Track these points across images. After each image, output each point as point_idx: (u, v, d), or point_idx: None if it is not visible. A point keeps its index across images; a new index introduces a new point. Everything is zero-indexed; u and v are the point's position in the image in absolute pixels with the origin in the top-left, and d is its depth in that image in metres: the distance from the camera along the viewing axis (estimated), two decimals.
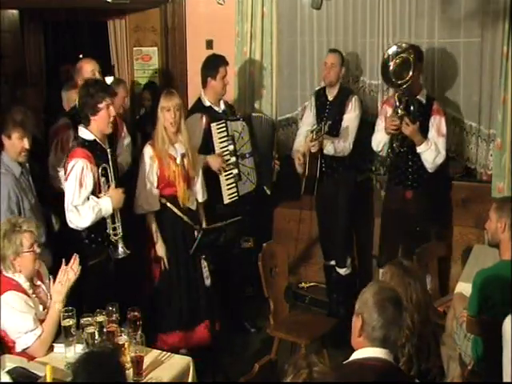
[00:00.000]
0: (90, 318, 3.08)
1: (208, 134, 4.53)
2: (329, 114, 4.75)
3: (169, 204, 4.08)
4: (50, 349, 3.08)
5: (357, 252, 5.22)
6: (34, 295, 3.14)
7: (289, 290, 4.37)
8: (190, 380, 3.09)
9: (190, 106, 5.15)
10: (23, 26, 6.93)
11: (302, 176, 4.78)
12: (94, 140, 3.67)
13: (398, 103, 4.31)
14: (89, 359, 2.10)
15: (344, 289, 4.86)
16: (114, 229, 3.70)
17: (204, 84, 4.64)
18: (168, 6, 5.61)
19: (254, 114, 4.91)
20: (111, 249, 3.72)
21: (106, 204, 3.61)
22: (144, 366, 2.94)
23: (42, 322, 3.08)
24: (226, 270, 4.77)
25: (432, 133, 4.38)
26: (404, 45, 4.30)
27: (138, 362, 2.90)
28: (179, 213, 4.11)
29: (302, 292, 5.30)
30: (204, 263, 4.17)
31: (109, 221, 3.68)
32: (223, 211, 4.52)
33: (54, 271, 3.24)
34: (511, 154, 4.59)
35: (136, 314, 3.12)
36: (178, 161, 4.08)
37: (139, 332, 3.07)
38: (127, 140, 4.50)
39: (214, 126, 4.51)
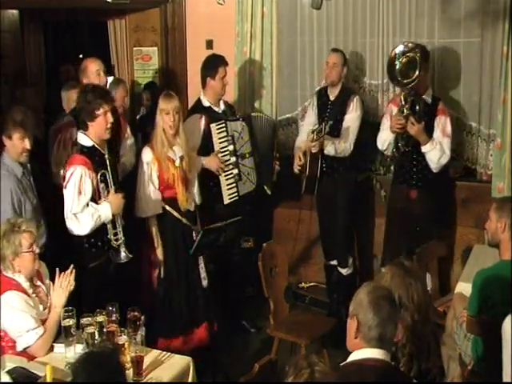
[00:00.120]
0: (90, 318, 3.08)
1: (208, 134, 4.53)
2: (330, 113, 4.75)
3: (167, 207, 4.08)
4: (50, 349, 3.08)
5: (357, 252, 5.22)
6: (34, 295, 3.14)
7: (289, 290, 4.37)
8: (190, 380, 3.09)
9: (189, 106, 5.16)
10: (23, 26, 6.94)
11: (302, 173, 4.76)
12: (93, 146, 3.66)
13: (403, 102, 4.31)
14: (89, 359, 2.10)
15: (345, 289, 4.86)
16: (115, 234, 3.70)
17: (203, 84, 4.64)
18: (168, 5, 5.61)
19: (253, 114, 4.90)
20: (113, 253, 3.71)
21: (106, 210, 3.60)
22: (144, 366, 2.94)
23: (42, 321, 3.08)
24: (226, 270, 4.77)
25: (437, 133, 4.38)
26: (410, 44, 4.30)
27: (138, 362, 2.90)
28: (178, 215, 4.11)
29: (301, 292, 5.30)
30: (201, 263, 4.18)
31: (109, 226, 3.67)
32: (223, 211, 4.52)
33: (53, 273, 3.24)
34: (511, 154, 4.59)
35: (136, 314, 3.12)
36: (177, 163, 4.08)
37: (139, 332, 3.07)
38: (131, 140, 4.51)
39: (213, 126, 4.51)
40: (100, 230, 3.66)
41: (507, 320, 2.71)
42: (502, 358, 2.73)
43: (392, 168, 5.08)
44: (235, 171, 4.62)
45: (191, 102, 5.16)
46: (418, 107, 4.36)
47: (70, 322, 3.04)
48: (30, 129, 3.82)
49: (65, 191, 3.58)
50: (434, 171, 4.42)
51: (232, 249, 4.76)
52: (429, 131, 4.36)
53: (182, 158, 4.10)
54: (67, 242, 3.71)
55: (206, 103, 4.62)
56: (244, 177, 4.67)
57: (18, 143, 3.75)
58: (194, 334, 4.17)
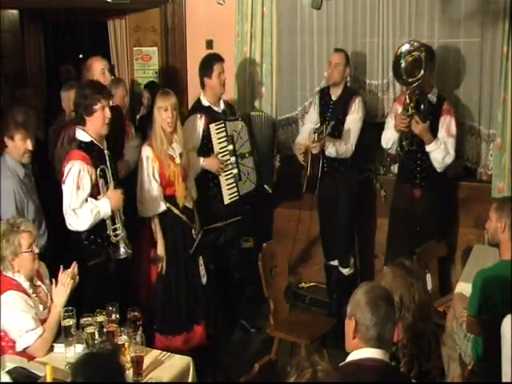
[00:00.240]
0: (89, 318, 3.08)
1: (207, 134, 4.53)
2: (332, 113, 4.74)
3: (168, 204, 4.08)
4: (50, 349, 3.08)
5: (358, 252, 5.22)
6: (34, 295, 3.14)
7: (289, 290, 4.37)
8: (190, 380, 3.09)
9: (189, 106, 5.16)
10: (23, 26, 6.94)
11: (303, 171, 4.76)
12: (91, 141, 3.66)
13: (408, 101, 4.31)
14: (88, 360, 2.10)
15: (345, 289, 4.85)
16: (115, 230, 3.69)
17: (202, 85, 4.64)
18: (168, 5, 5.61)
19: (252, 113, 4.89)
20: (112, 249, 3.71)
21: (105, 206, 3.60)
22: (144, 366, 2.94)
23: (42, 321, 3.08)
24: (226, 270, 4.77)
25: (442, 133, 4.38)
26: (416, 43, 4.29)
27: (138, 362, 2.90)
28: (178, 213, 4.11)
29: (301, 292, 5.30)
30: (200, 261, 4.18)
31: (108, 222, 3.67)
32: (223, 211, 4.53)
33: (53, 273, 3.24)
34: (511, 154, 4.59)
35: (136, 314, 3.12)
36: (178, 161, 4.08)
37: (139, 332, 3.07)
38: (135, 141, 4.51)
39: (212, 126, 4.51)
40: (99, 227, 3.66)
41: (507, 320, 2.71)
42: (501, 358, 2.73)
43: (392, 168, 5.09)
44: (235, 171, 4.62)
45: (191, 102, 5.16)
46: (422, 106, 4.37)
47: (70, 321, 3.04)
48: (32, 129, 3.82)
49: (63, 186, 3.58)
50: (438, 171, 4.43)
51: (232, 249, 4.76)
52: (433, 131, 4.36)
53: (181, 155, 4.11)
54: (67, 241, 3.71)
55: (205, 103, 4.62)
56: (244, 176, 4.68)
57: (20, 144, 3.75)
58: (193, 333, 4.18)
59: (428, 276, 4.13)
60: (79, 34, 7.91)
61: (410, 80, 4.25)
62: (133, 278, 4.11)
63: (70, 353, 3.00)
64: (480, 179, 4.88)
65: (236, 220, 4.17)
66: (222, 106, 4.67)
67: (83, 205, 3.57)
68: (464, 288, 3.59)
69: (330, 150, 4.62)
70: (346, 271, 4.91)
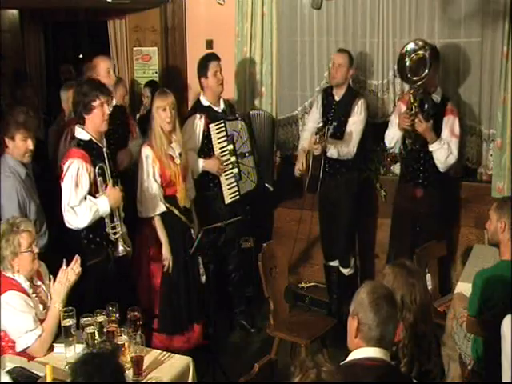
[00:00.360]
0: (89, 318, 3.07)
1: (207, 134, 4.53)
2: (334, 114, 4.73)
3: (167, 205, 4.08)
4: (50, 349, 3.08)
5: (359, 252, 5.21)
6: (34, 295, 3.14)
7: (289, 290, 4.37)
8: (190, 380, 3.08)
9: (189, 106, 5.16)
10: (23, 26, 6.94)
11: (306, 174, 4.76)
12: (90, 139, 3.66)
13: (412, 100, 4.32)
14: (88, 360, 2.10)
15: (345, 289, 4.86)
16: (114, 227, 3.69)
17: (201, 86, 4.65)
18: (168, 6, 5.61)
19: (252, 112, 4.89)
20: (111, 248, 3.71)
21: (104, 204, 3.60)
22: (144, 366, 2.94)
23: (42, 322, 3.08)
24: (225, 270, 4.78)
25: (445, 133, 4.38)
26: (421, 42, 4.29)
27: (137, 362, 2.90)
28: (178, 213, 4.11)
29: (302, 292, 5.29)
30: (199, 260, 4.19)
31: (107, 220, 3.67)
32: (223, 211, 4.53)
33: (53, 272, 3.23)
34: (511, 154, 4.59)
35: (136, 313, 3.12)
36: (177, 161, 4.08)
37: (139, 332, 3.07)
38: (138, 141, 4.51)
39: (212, 126, 4.51)
40: (98, 226, 3.65)
41: (507, 320, 2.71)
42: (501, 358, 2.73)
43: (392, 168, 5.10)
44: (235, 170, 4.62)
45: (191, 102, 5.16)
46: (426, 106, 4.37)
47: (70, 321, 3.04)
48: (33, 129, 3.82)
49: (62, 184, 3.57)
50: (441, 171, 4.43)
51: (232, 249, 4.76)
52: (437, 131, 4.37)
53: (180, 155, 4.11)
54: (66, 242, 3.71)
55: (205, 103, 4.62)
56: (244, 176, 4.68)
57: (21, 144, 3.75)
58: (191, 333, 4.19)
59: (428, 276, 4.13)
60: (79, 34, 7.91)
61: (414, 79, 4.25)
62: (132, 278, 4.10)
63: (70, 353, 2.99)
64: (480, 179, 4.89)
65: (236, 220, 4.17)
66: (222, 105, 4.67)
67: (82, 203, 3.56)
68: (464, 288, 3.60)
69: (332, 152, 4.62)
70: (346, 271, 4.90)
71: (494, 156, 4.70)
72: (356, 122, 4.67)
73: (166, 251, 4.07)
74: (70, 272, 3.12)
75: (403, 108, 4.44)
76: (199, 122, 4.54)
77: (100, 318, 3.09)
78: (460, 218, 4.91)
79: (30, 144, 3.76)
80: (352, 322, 2.25)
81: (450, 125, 4.41)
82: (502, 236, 3.27)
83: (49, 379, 2.72)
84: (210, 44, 5.48)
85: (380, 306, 2.20)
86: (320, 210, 4.97)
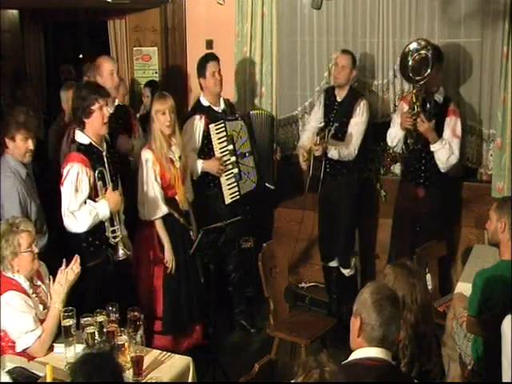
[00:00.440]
0: (89, 318, 3.07)
1: (207, 134, 4.53)
2: (336, 115, 4.72)
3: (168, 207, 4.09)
4: (50, 349, 3.08)
5: (359, 252, 5.21)
6: (34, 295, 3.14)
7: (289, 290, 4.37)
8: (190, 380, 3.08)
9: (190, 106, 5.16)
10: (23, 26, 6.94)
11: (305, 173, 4.76)
12: (90, 143, 3.65)
13: (414, 100, 4.32)
14: (87, 361, 2.10)
15: (345, 289, 4.86)
16: (114, 231, 3.68)
17: (200, 87, 4.65)
18: (168, 6, 5.61)
19: (252, 112, 4.87)
20: (111, 251, 3.71)
21: (103, 208, 3.59)
22: (144, 366, 2.94)
23: (42, 322, 3.08)
24: (225, 270, 4.78)
25: (447, 133, 4.39)
26: (423, 42, 4.29)
27: (137, 362, 2.90)
28: (178, 215, 4.11)
29: (302, 292, 5.29)
30: (198, 261, 4.20)
31: (107, 224, 3.66)
32: (223, 211, 4.53)
33: (53, 272, 3.23)
34: (511, 154, 4.59)
35: (136, 313, 3.11)
36: (177, 164, 4.08)
37: (139, 332, 3.07)
38: (142, 141, 4.51)
39: (212, 127, 4.51)
40: (98, 229, 3.65)
41: (507, 320, 2.71)
42: (501, 358, 2.73)
43: (392, 168, 5.10)
44: (235, 170, 4.63)
45: (191, 102, 5.16)
46: (428, 105, 4.37)
47: (70, 321, 3.04)
48: (33, 129, 3.82)
49: (62, 189, 3.57)
50: (442, 171, 4.44)
51: (232, 249, 4.76)
52: (439, 131, 4.37)
53: (180, 158, 4.11)
54: (66, 243, 3.71)
55: (205, 103, 4.62)
56: (244, 176, 4.68)
57: (22, 144, 3.75)
58: (191, 333, 4.19)
59: (428, 276, 4.14)
60: (79, 34, 7.91)
61: (416, 78, 4.26)
62: (132, 279, 4.10)
63: (70, 353, 2.99)
64: (480, 179, 4.89)
65: (236, 220, 4.17)
66: (222, 105, 4.67)
67: (82, 207, 3.56)
68: (464, 288, 3.60)
69: (333, 153, 4.62)
70: (346, 272, 4.90)
71: (494, 156, 4.70)
72: (358, 124, 4.66)
73: (168, 253, 4.07)
74: (69, 272, 3.12)
75: (405, 107, 4.44)
76: (199, 123, 4.54)
77: (100, 318, 3.09)
78: (460, 218, 4.91)
79: (31, 144, 3.76)
80: (355, 322, 2.26)
81: (452, 125, 4.41)
82: (502, 236, 3.27)
83: (49, 379, 2.71)
84: (210, 44, 5.48)
85: (383, 307, 2.20)
86: (320, 211, 4.96)
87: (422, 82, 4.24)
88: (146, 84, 5.78)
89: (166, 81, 5.76)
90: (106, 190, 3.64)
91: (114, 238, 3.68)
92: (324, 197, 4.84)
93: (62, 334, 3.06)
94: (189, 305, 4.18)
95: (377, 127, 4.91)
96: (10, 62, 6.65)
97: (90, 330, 3.02)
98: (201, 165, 4.50)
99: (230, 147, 4.59)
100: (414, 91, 4.33)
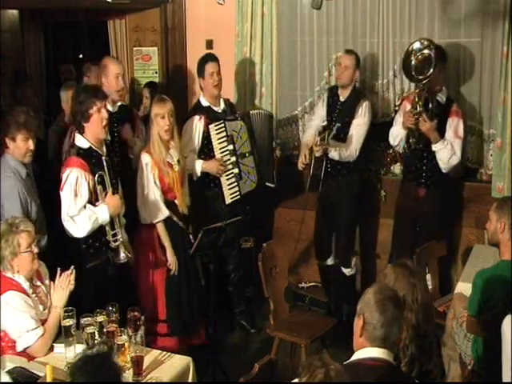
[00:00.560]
0: (89, 318, 3.08)
1: (207, 135, 4.53)
2: (338, 114, 4.72)
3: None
4: (50, 349, 3.08)
5: (360, 252, 5.20)
6: (33, 295, 3.14)
7: (289, 290, 4.37)
8: (190, 380, 3.09)
9: (189, 106, 5.16)
10: (23, 26, 6.94)
11: (306, 171, 4.76)
12: (90, 147, 3.64)
13: (417, 99, 4.32)
14: (87, 361, 2.10)
15: (345, 288, 4.87)
16: (114, 235, 3.68)
17: (200, 87, 4.65)
18: (168, 6, 5.60)
19: (252, 112, 4.87)
20: (111, 254, 3.70)
21: (103, 212, 3.59)
22: (144, 366, 2.94)
23: (42, 322, 3.08)
24: (225, 270, 4.78)
25: (449, 134, 4.39)
26: (426, 42, 4.28)
27: (137, 362, 2.90)
28: (177, 219, 4.12)
29: (302, 292, 5.29)
30: (198, 261, 4.20)
31: (108, 228, 3.66)
32: (223, 211, 4.53)
33: (53, 272, 3.24)
34: (511, 154, 4.59)
35: (136, 313, 3.12)
36: (176, 167, 4.08)
37: (139, 332, 3.07)
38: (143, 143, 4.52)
39: (212, 127, 4.52)
40: (98, 232, 3.64)
41: (507, 320, 2.71)
42: (501, 358, 2.73)
43: (392, 168, 5.10)
44: (236, 170, 4.63)
45: (191, 102, 5.16)
46: (430, 105, 4.37)
47: (70, 321, 3.04)
48: (33, 129, 3.82)
49: (61, 194, 3.56)
50: (444, 171, 4.44)
51: (232, 249, 4.76)
52: (441, 131, 4.37)
53: (178, 161, 4.11)
54: (66, 243, 3.71)
55: (205, 103, 4.63)
56: (245, 176, 4.68)
57: (22, 144, 3.75)
58: (192, 334, 4.19)
59: (428, 276, 4.14)
60: (79, 34, 7.91)
61: (419, 77, 4.26)
62: (132, 281, 4.10)
63: (70, 353, 3.00)
64: (480, 179, 4.89)
65: (236, 220, 4.17)
66: (222, 105, 4.67)
67: (81, 212, 3.55)
68: (464, 288, 3.60)
69: (333, 154, 4.62)
70: (347, 271, 4.90)
71: (494, 156, 4.70)
72: (360, 125, 4.65)
73: (170, 255, 4.07)
74: (66, 281, 3.13)
75: (408, 107, 4.43)
76: (199, 123, 4.54)
77: (100, 318, 3.09)
78: (461, 218, 4.91)
79: (31, 144, 3.76)
80: (358, 321, 2.27)
81: (454, 126, 4.41)
82: (502, 236, 3.27)
83: (49, 379, 2.72)
84: (209, 44, 5.48)
85: (386, 307, 2.21)
86: (319, 209, 4.96)
87: (424, 82, 4.24)
88: (145, 85, 5.79)
89: (165, 81, 5.76)
90: (105, 194, 3.63)
91: (115, 241, 3.68)
92: (324, 196, 4.84)
93: (62, 334, 3.06)
94: (190, 305, 4.18)
95: (377, 127, 4.91)
96: (10, 62, 6.65)
97: (89, 329, 3.03)
98: (201, 165, 4.51)
99: (230, 147, 4.59)
100: (417, 91, 4.34)
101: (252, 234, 4.88)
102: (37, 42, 7.15)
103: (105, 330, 3.07)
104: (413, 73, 4.28)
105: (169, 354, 3.12)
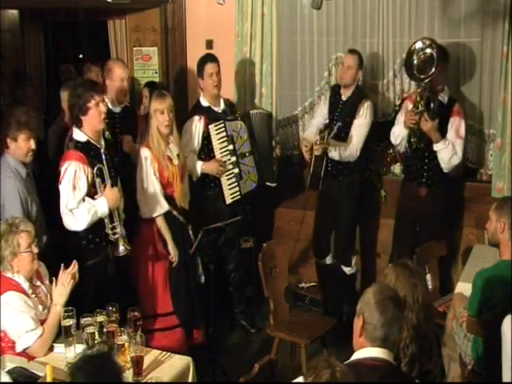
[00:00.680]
0: (90, 318, 3.08)
1: (207, 135, 4.53)
2: (340, 114, 4.71)
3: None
4: (50, 349, 3.08)
5: (360, 251, 5.20)
6: (33, 295, 3.14)
7: (289, 290, 4.37)
8: (190, 380, 3.09)
9: (189, 106, 5.16)
10: (23, 26, 6.94)
11: (307, 172, 4.77)
12: (87, 141, 3.64)
13: (418, 98, 4.32)
14: (87, 361, 2.10)
15: (345, 288, 4.87)
16: (113, 228, 3.68)
17: (200, 88, 4.65)
18: (168, 6, 5.60)
19: (251, 111, 4.87)
20: (111, 248, 3.71)
21: (102, 205, 3.59)
22: (144, 366, 2.94)
23: (41, 322, 3.08)
24: (225, 270, 4.78)
25: (451, 133, 4.39)
26: (428, 41, 4.28)
27: (137, 362, 2.90)
28: (176, 213, 4.12)
29: (301, 292, 5.30)
30: (198, 261, 4.21)
31: (107, 221, 3.66)
32: (223, 211, 4.53)
33: (53, 272, 3.24)
34: (511, 154, 4.59)
35: (136, 313, 3.12)
36: (175, 162, 4.09)
37: (139, 332, 3.07)
38: None
39: (212, 127, 4.52)
40: (97, 226, 3.65)
41: (507, 320, 2.71)
42: (501, 358, 2.73)
43: (392, 168, 5.11)
44: (236, 170, 4.63)
45: (191, 102, 5.15)
46: (432, 105, 4.37)
47: (70, 321, 3.04)
48: (34, 128, 3.82)
49: (60, 187, 3.56)
50: (445, 171, 4.44)
51: (232, 249, 4.76)
52: (442, 131, 4.37)
53: (178, 156, 4.12)
54: (65, 241, 3.71)
55: (205, 103, 4.63)
56: (245, 176, 4.69)
57: (24, 144, 3.75)
58: (192, 333, 4.20)
59: (428, 276, 4.14)
60: (79, 34, 7.91)
61: (421, 77, 4.26)
62: (132, 279, 4.10)
63: (70, 353, 3.00)
64: (480, 179, 4.89)
65: (236, 220, 4.18)
66: (222, 105, 4.67)
67: (80, 205, 3.55)
68: (464, 288, 3.60)
69: (334, 153, 4.62)
70: (348, 270, 4.90)
71: (494, 156, 4.70)
72: (361, 125, 4.64)
73: (172, 247, 4.07)
74: (68, 276, 3.13)
75: (410, 106, 4.44)
76: (198, 124, 4.54)
77: (100, 318, 3.09)
78: (461, 218, 4.91)
79: (33, 144, 3.77)
80: (357, 321, 2.26)
81: (456, 126, 4.41)
82: (502, 236, 3.27)
83: (49, 379, 2.72)
84: (209, 44, 5.48)
85: (386, 307, 2.21)
86: (319, 208, 4.96)
87: (426, 81, 4.24)
88: (145, 84, 5.79)
89: (166, 81, 5.76)
90: (104, 187, 3.63)
91: (114, 234, 3.67)
92: (324, 195, 4.84)
93: (62, 334, 3.06)
94: (187, 305, 4.18)
95: (377, 127, 4.90)
96: (10, 61, 6.65)
97: (89, 329, 3.03)
98: (200, 166, 4.51)
99: (230, 147, 4.59)
100: (419, 90, 4.34)
101: (252, 234, 4.88)
102: (37, 42, 7.15)
103: (105, 329, 3.07)
104: (415, 72, 4.28)
105: (169, 354, 3.12)
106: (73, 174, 3.53)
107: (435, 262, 4.32)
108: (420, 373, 2.48)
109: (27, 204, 3.72)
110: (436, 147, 4.36)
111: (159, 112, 4.00)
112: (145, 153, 4.02)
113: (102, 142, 3.73)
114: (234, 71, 5.34)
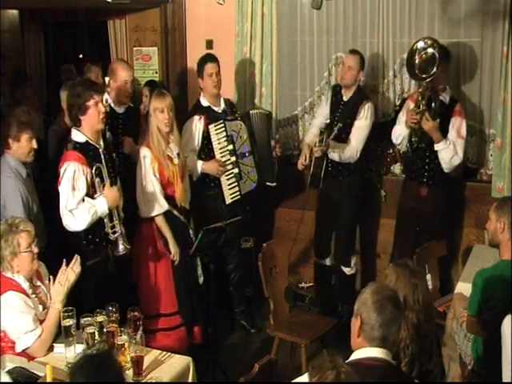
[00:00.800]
0: (90, 318, 3.07)
1: (207, 135, 4.53)
2: (341, 114, 4.71)
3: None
4: (50, 349, 3.08)
5: (360, 252, 5.21)
6: (33, 295, 3.14)
7: (289, 290, 4.37)
8: (190, 380, 3.09)
9: (189, 106, 5.15)
10: (23, 26, 6.95)
11: (308, 171, 4.77)
12: (86, 141, 3.63)
13: (420, 98, 4.32)
14: (87, 361, 2.10)
15: (344, 288, 4.86)
16: (113, 227, 3.67)
17: (200, 88, 4.66)
18: (168, 6, 5.60)
19: (251, 111, 4.86)
20: (111, 247, 3.71)
21: (101, 204, 3.59)
22: (144, 366, 2.94)
23: (41, 322, 3.08)
24: (225, 270, 4.78)
25: (452, 133, 4.39)
26: (429, 41, 4.28)
27: (137, 362, 2.90)
28: (177, 213, 4.12)
29: (301, 292, 5.30)
30: (198, 261, 4.21)
31: (106, 220, 3.66)
32: (223, 211, 4.53)
33: (53, 272, 3.23)
34: (511, 154, 4.59)
35: (136, 313, 3.12)
36: (176, 161, 4.09)
37: (139, 332, 3.07)
38: None
39: (211, 127, 4.52)
40: (97, 226, 3.64)
41: (507, 320, 2.71)
42: (501, 358, 2.73)
43: (392, 168, 5.11)
44: (235, 170, 4.63)
45: (191, 102, 5.15)
46: (433, 104, 4.38)
47: (70, 321, 3.04)
48: (36, 127, 3.82)
49: (59, 188, 3.56)
50: (446, 171, 4.44)
51: (232, 249, 4.76)
52: (443, 131, 4.37)
53: (178, 155, 4.12)
54: (65, 241, 3.71)
55: (205, 103, 4.63)
56: (245, 176, 4.69)
57: (26, 144, 3.75)
58: (191, 332, 4.20)
59: (428, 276, 4.13)
60: (79, 33, 7.91)
61: (422, 76, 4.26)
62: (132, 279, 4.11)
63: (70, 353, 3.00)
64: (480, 179, 4.89)
65: (236, 220, 4.18)
66: (223, 105, 4.67)
67: (80, 205, 3.55)
68: (464, 288, 3.60)
69: (334, 155, 4.63)
70: (347, 270, 4.90)
71: (494, 156, 4.71)
72: (361, 127, 4.64)
73: (173, 246, 4.07)
74: (69, 272, 3.12)
75: (412, 105, 4.44)
76: (198, 124, 4.54)
77: (100, 318, 3.09)
78: (462, 218, 4.91)
79: (35, 144, 3.77)
80: (355, 322, 2.26)
81: (457, 126, 4.41)
82: (502, 236, 3.27)
83: (49, 379, 2.72)
84: (209, 44, 5.48)
85: (384, 307, 2.20)
86: (319, 208, 4.96)
87: (427, 80, 4.24)
88: (145, 84, 5.79)
89: (166, 81, 5.76)
90: (104, 187, 3.63)
91: (114, 233, 3.67)
92: (324, 195, 4.84)
93: (62, 334, 3.06)
94: (187, 305, 4.18)
95: (377, 127, 4.90)
96: (10, 61, 6.65)
97: (89, 330, 3.02)
98: (200, 166, 4.51)
99: (230, 147, 4.59)
100: (420, 90, 4.34)
101: (252, 234, 4.88)
102: (37, 42, 7.15)
103: (105, 329, 3.07)
104: (416, 71, 4.28)
105: (169, 353, 3.12)
106: (72, 175, 3.52)
107: (435, 261, 4.31)
108: (420, 373, 2.48)
109: (28, 204, 3.72)
110: (437, 147, 4.36)
111: (159, 111, 4.00)
112: (144, 152, 4.03)
113: (101, 142, 3.72)
114: (234, 71, 5.34)
